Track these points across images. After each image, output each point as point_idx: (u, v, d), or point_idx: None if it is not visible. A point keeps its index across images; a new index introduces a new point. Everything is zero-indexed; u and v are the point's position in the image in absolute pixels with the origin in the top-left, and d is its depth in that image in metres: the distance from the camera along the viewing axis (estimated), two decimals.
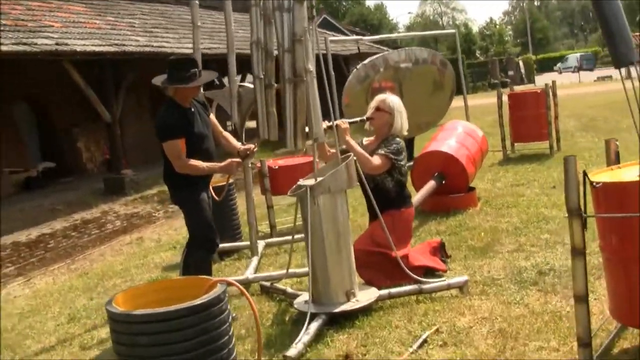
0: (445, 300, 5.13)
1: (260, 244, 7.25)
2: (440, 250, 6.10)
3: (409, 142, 13.24)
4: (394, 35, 23.77)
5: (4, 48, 11.06)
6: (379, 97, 5.93)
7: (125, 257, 8.59)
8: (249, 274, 6.25)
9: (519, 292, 5.09)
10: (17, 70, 14.53)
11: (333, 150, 5.69)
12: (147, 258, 8.20)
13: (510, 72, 45.02)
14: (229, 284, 3.65)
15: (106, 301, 3.49)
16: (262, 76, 5.14)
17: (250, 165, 8.32)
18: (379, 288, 5.27)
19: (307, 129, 4.89)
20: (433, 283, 5.30)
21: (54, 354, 5.27)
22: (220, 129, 5.77)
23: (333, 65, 13.03)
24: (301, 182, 5.16)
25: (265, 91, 5.10)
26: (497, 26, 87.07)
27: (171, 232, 9.91)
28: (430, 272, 5.75)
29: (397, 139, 5.83)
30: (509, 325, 4.48)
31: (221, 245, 7.29)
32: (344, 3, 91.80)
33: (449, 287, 5.24)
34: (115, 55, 13.94)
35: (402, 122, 5.86)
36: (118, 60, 14.59)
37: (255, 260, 6.66)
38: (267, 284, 5.89)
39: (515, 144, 12.40)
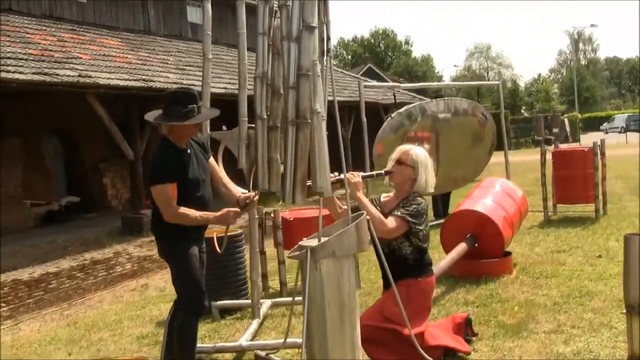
0: None
1: (266, 303, 6.50)
2: (465, 327, 5.26)
3: (444, 198, 12.42)
4: (434, 84, 22.89)
5: (22, 77, 10.63)
6: (402, 148, 5.10)
7: (124, 306, 7.89)
8: (244, 340, 5.46)
9: None
10: (47, 102, 14.20)
11: (345, 207, 4.94)
12: (145, 309, 7.50)
13: (555, 130, 43.80)
14: None
15: None
16: (265, 116, 4.43)
17: (263, 214, 7.63)
18: None
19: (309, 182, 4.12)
20: None
21: None
22: (221, 174, 5.07)
23: (372, 113, 12.28)
24: (304, 241, 4.41)
25: (269, 134, 4.38)
26: (544, 83, 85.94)
27: None
28: (451, 352, 4.94)
29: (419, 199, 4.96)
30: None
31: (222, 303, 6.63)
32: (390, 54, 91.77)
33: None
34: (140, 90, 13.45)
35: (427, 177, 4.99)
36: (145, 97, 14.11)
37: (255, 323, 5.87)
38: (263, 353, 5.13)
39: (558, 205, 11.52)
